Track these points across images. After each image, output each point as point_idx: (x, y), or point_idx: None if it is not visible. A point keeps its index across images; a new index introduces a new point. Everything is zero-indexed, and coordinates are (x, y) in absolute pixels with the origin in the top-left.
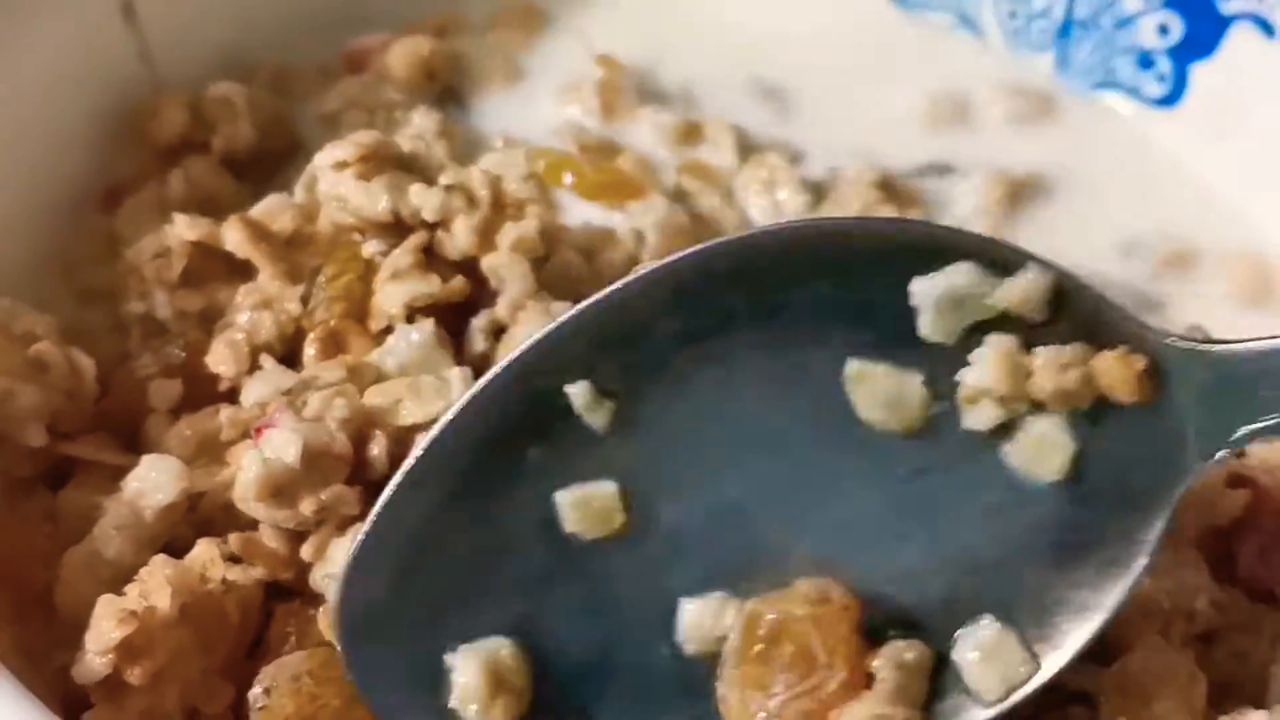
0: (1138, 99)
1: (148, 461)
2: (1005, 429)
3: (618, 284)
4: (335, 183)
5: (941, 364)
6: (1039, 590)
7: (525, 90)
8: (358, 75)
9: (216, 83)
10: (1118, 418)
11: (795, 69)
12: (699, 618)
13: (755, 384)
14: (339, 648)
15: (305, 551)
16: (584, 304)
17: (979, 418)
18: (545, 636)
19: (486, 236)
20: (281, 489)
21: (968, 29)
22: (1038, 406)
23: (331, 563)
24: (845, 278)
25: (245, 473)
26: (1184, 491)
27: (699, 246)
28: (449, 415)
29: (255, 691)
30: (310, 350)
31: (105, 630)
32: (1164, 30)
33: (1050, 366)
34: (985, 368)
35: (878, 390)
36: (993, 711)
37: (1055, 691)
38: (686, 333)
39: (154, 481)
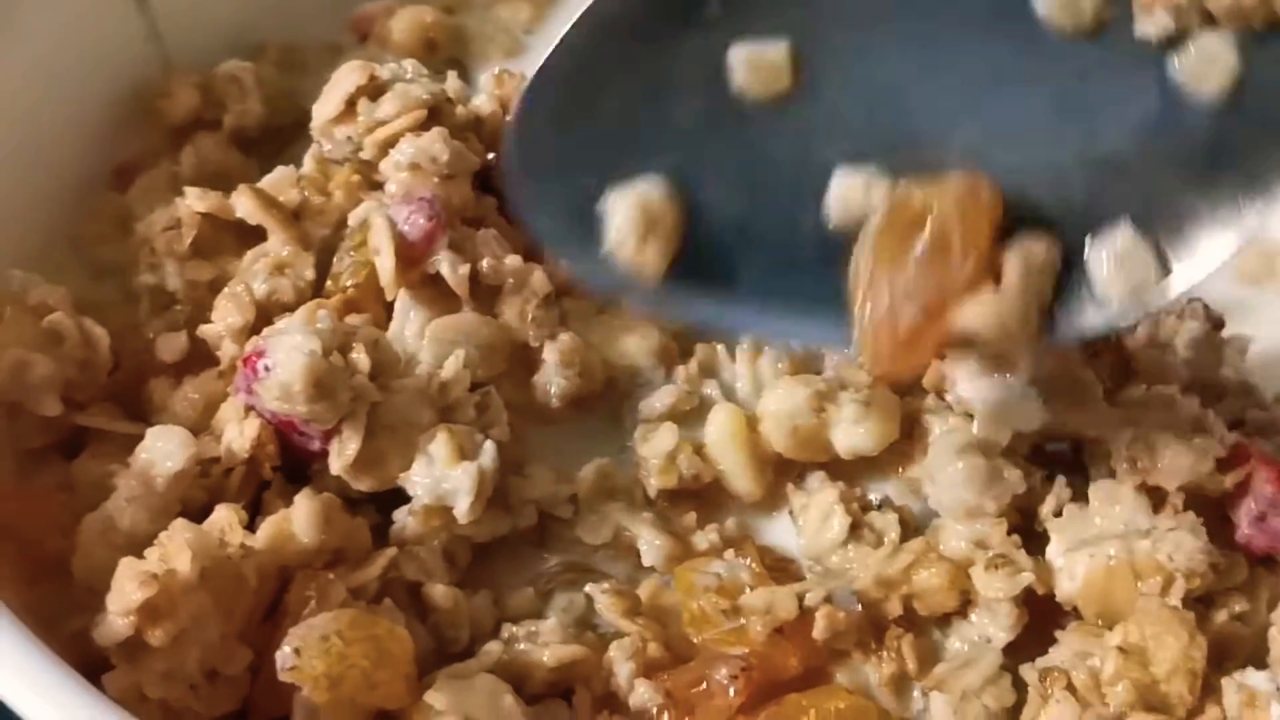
0: None
1: (154, 432)
2: (1175, 42)
3: None
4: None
5: None
6: (1181, 203)
7: (527, 64)
8: (363, 43)
9: (225, 61)
10: None
11: None
12: (848, 189)
13: None
14: (506, 182)
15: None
16: None
17: (1152, 26)
18: (701, 187)
19: None
20: (321, 380)
21: None
22: (1211, 21)
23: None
24: None
25: (284, 370)
26: None
27: None
28: None
29: (284, 652)
30: (324, 313)
31: (127, 592)
32: None
33: None
34: None
35: None
36: (1113, 318)
37: None
38: None
39: (162, 451)
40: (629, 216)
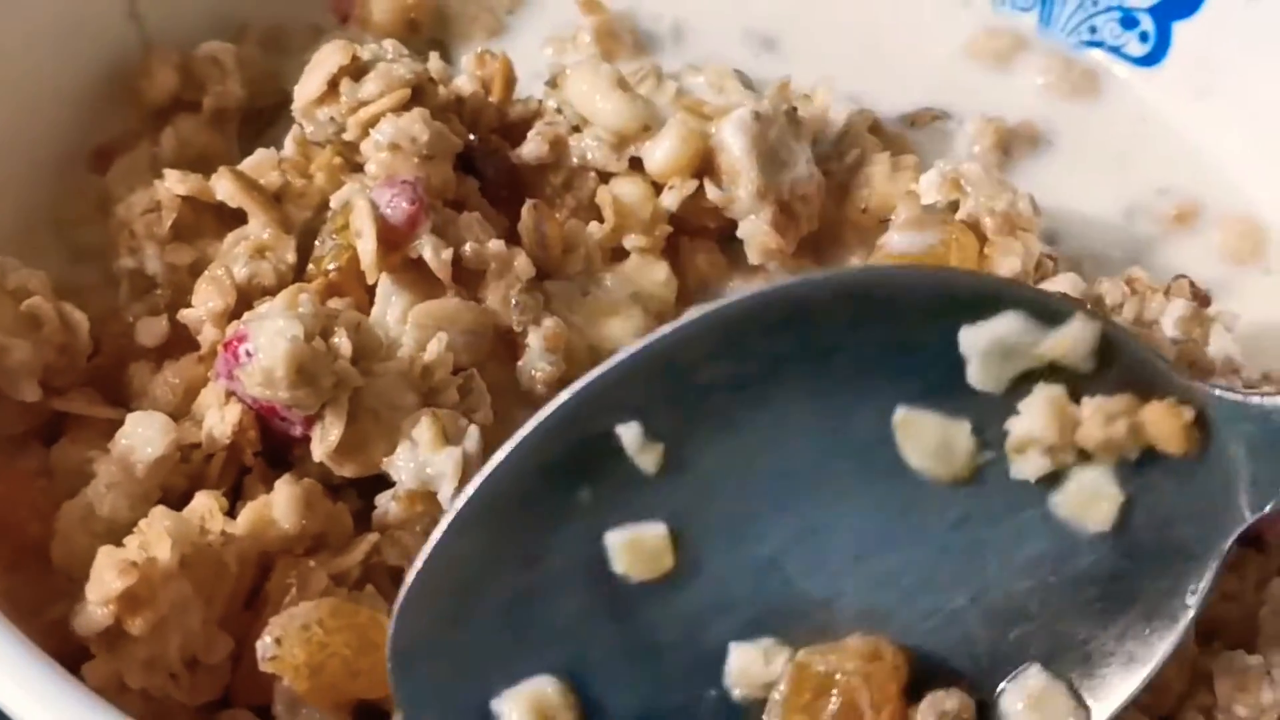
0: (1121, 58)
1: (134, 418)
2: (1053, 479)
3: (667, 328)
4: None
5: (990, 413)
6: (1085, 641)
7: (508, 43)
8: (344, 24)
9: (206, 42)
10: (1165, 469)
11: (786, 16)
12: (747, 663)
13: (804, 429)
14: (391, 685)
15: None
16: (634, 347)
17: (1027, 467)
18: (594, 679)
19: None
20: (304, 366)
21: None
22: (1085, 457)
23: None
24: (894, 325)
25: (267, 355)
26: (1233, 544)
27: (748, 293)
28: (500, 456)
29: (265, 641)
30: (305, 297)
31: (106, 581)
32: None
33: (1098, 416)
34: (1034, 417)
35: (926, 438)
36: None
37: None
38: (736, 377)
39: (142, 437)
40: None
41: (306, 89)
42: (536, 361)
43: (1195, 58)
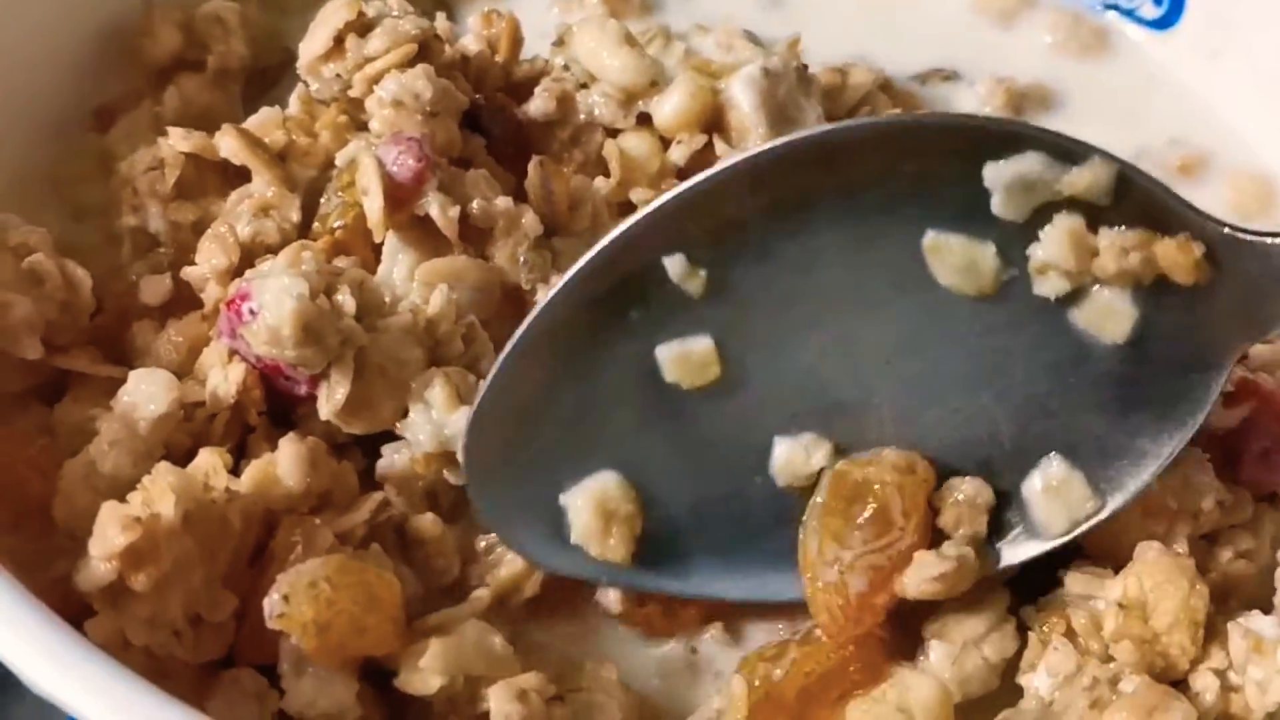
0: (1135, 21)
1: (137, 375)
2: (1073, 296)
3: (706, 173)
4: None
5: (1014, 238)
6: (1102, 437)
7: (514, 3)
8: None
9: (208, 0)
10: (1177, 293)
11: None
12: (791, 454)
13: (838, 255)
14: (470, 496)
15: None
16: (678, 188)
17: (1048, 286)
18: (652, 474)
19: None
20: (310, 324)
21: None
22: (1103, 282)
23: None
24: (923, 163)
25: (272, 314)
26: (1234, 361)
27: (784, 139)
28: (558, 285)
29: (273, 599)
30: (308, 255)
31: (110, 536)
32: None
33: (1114, 249)
34: (1053, 245)
35: (954, 258)
36: (1052, 544)
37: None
38: (772, 212)
39: (145, 394)
40: (589, 512)
41: (312, 45)
42: None
43: (1209, 20)
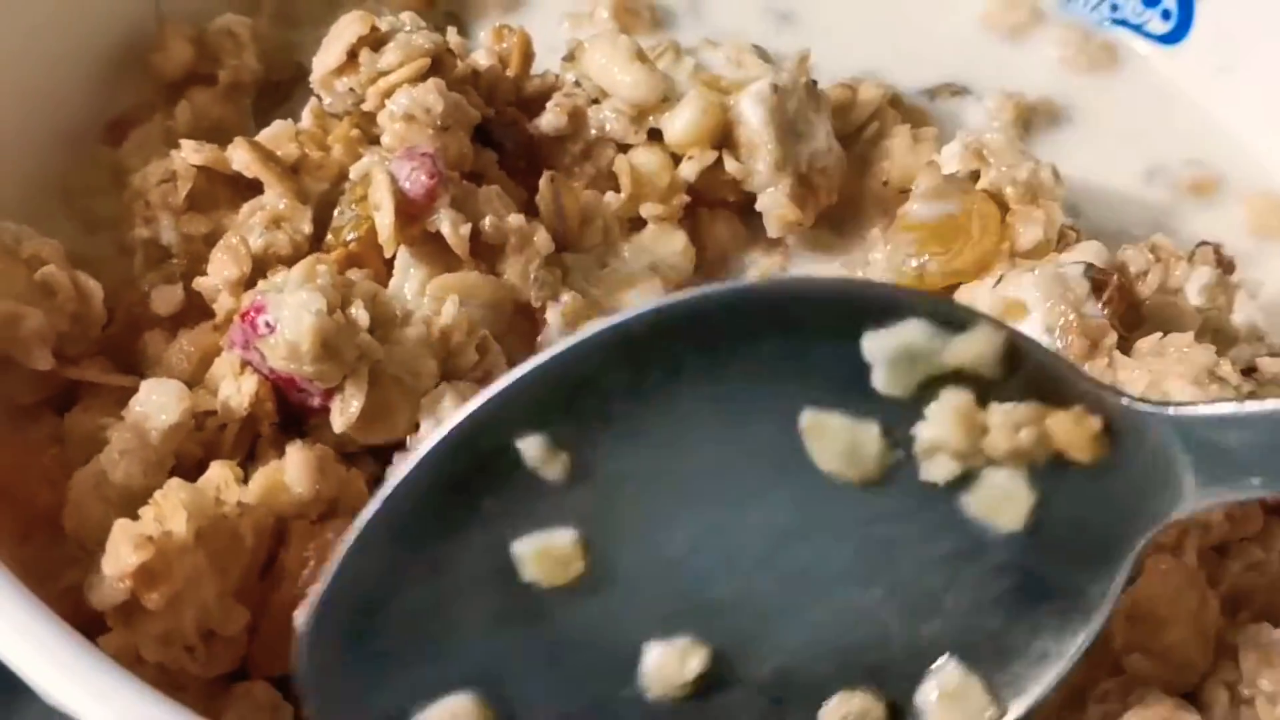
0: (1143, 36)
1: (149, 385)
2: (964, 479)
3: (565, 342)
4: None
5: (898, 414)
6: (1000, 636)
7: (523, 19)
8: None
9: (220, 15)
10: (1077, 472)
11: None
12: (664, 660)
13: (709, 433)
14: (304, 704)
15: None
16: (534, 360)
17: (936, 470)
18: (509, 688)
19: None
20: (329, 339)
21: None
22: (995, 460)
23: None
24: (796, 333)
25: (291, 329)
26: (1144, 546)
27: (647, 305)
28: (402, 472)
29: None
30: (323, 268)
31: (123, 555)
32: None
33: (1005, 425)
34: (940, 424)
35: (834, 440)
36: None
37: None
38: (637, 386)
39: (156, 404)
40: None
41: (326, 59)
42: (556, 337)
43: (1217, 34)
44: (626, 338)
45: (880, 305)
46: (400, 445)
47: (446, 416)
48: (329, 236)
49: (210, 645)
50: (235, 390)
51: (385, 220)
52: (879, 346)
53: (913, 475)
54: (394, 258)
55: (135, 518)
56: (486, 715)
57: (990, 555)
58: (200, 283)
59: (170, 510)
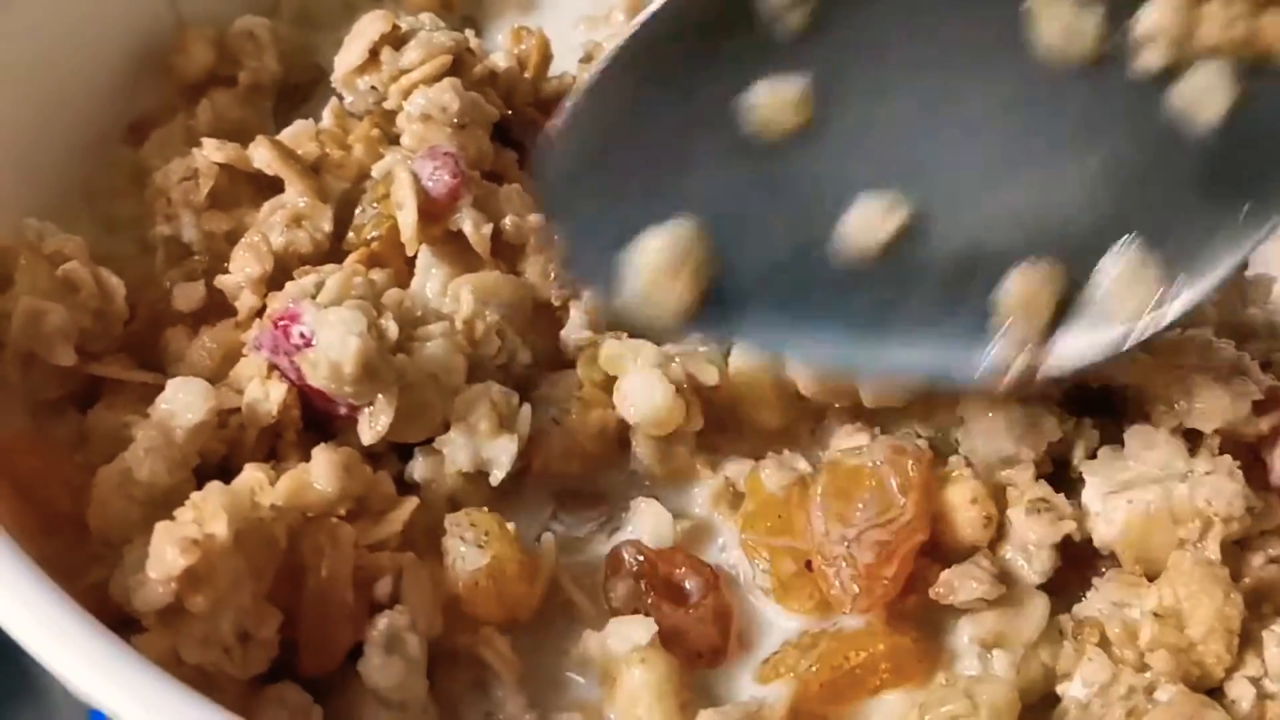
0: None
1: (175, 384)
2: (1172, 73)
3: None
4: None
5: (1120, 5)
6: (1186, 223)
7: (539, 21)
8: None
9: (240, 17)
10: (1277, 77)
11: None
12: (866, 214)
13: (943, 9)
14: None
15: (372, 423)
16: None
17: (1150, 58)
18: (725, 225)
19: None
20: (371, 362)
21: None
22: (1204, 56)
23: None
24: None
25: (335, 351)
26: None
27: None
28: (653, 8)
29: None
30: (359, 280)
31: (168, 559)
32: None
33: (1218, 17)
34: (1159, 10)
35: (1059, 17)
36: (1117, 341)
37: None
38: None
39: (182, 403)
40: (660, 255)
41: (347, 58)
42: (578, 331)
43: None
44: None
45: None
46: (428, 442)
47: (483, 430)
48: (350, 235)
49: (245, 647)
50: (263, 396)
51: (409, 220)
52: None
53: (1125, 63)
54: (415, 257)
55: (162, 516)
56: (704, 243)
57: (1188, 146)
58: (222, 280)
59: (210, 513)
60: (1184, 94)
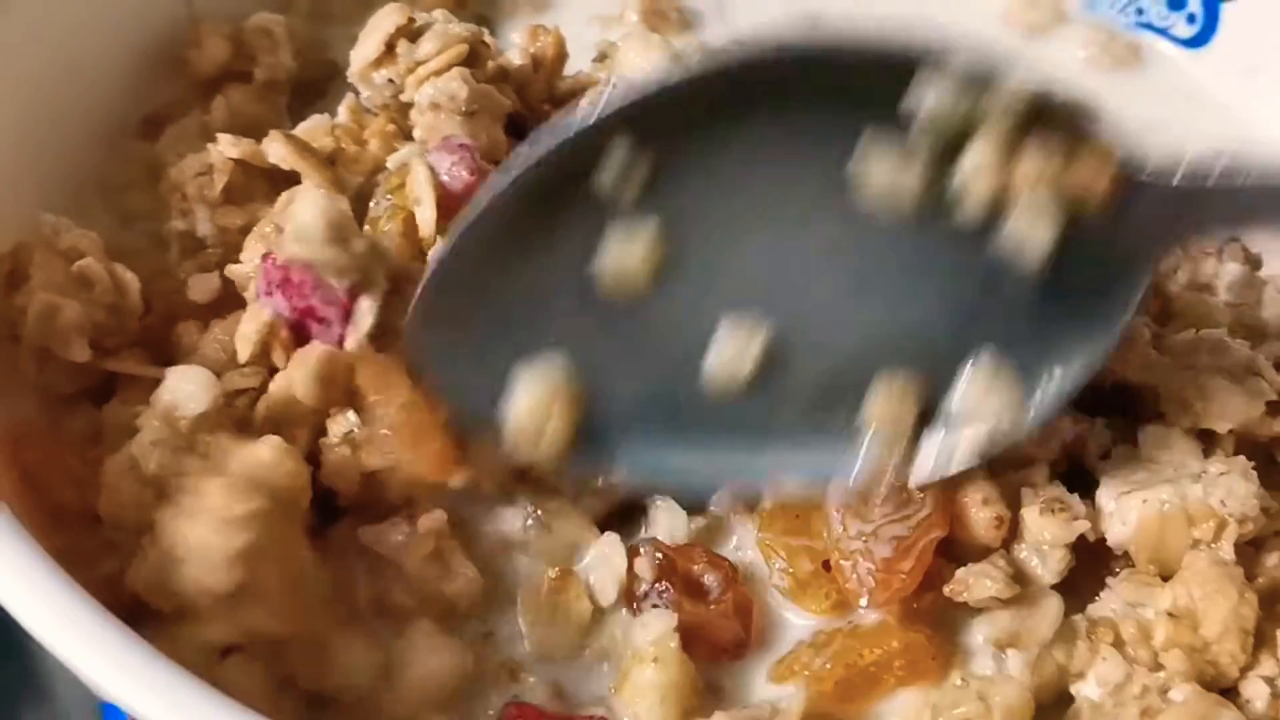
0: (1168, 39)
1: (176, 373)
2: (994, 219)
3: (669, 72)
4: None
5: (937, 160)
6: (1034, 331)
7: (553, 20)
8: None
9: (254, 13)
10: (1091, 220)
11: None
12: (729, 342)
13: (776, 152)
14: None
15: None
16: (623, 87)
17: (970, 206)
18: (593, 358)
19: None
20: (339, 225)
21: None
22: (1024, 203)
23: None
24: (852, 80)
25: (303, 214)
26: (1159, 261)
27: (732, 49)
28: (512, 170)
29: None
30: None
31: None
32: None
33: (1036, 156)
34: (977, 158)
35: (881, 174)
36: (983, 437)
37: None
38: (715, 111)
39: (185, 392)
40: (530, 394)
41: (364, 51)
42: None
43: (1244, 38)
44: (717, 72)
45: (924, 57)
46: None
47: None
48: (365, 227)
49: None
50: (250, 329)
51: (427, 214)
52: (923, 96)
53: (950, 213)
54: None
55: (173, 505)
56: (574, 380)
57: (1022, 276)
58: (233, 270)
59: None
60: (1008, 239)
